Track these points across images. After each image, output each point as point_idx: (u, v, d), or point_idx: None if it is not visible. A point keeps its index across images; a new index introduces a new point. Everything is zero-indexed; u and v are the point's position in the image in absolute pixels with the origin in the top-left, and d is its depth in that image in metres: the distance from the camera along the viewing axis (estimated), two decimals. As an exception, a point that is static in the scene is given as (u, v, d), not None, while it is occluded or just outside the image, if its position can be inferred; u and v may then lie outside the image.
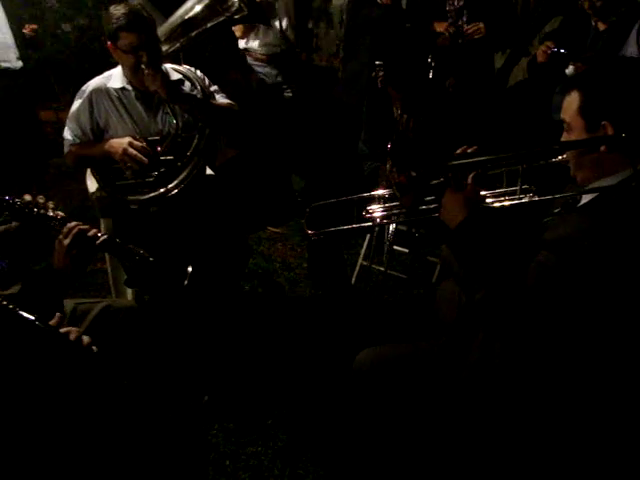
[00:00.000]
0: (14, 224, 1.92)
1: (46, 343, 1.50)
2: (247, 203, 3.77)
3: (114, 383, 1.83)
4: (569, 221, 1.55)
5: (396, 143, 1.75)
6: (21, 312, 1.51)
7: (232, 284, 3.04)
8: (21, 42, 4.15)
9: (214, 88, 2.68)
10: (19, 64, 4.10)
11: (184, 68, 2.67)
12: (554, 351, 1.61)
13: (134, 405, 2.14)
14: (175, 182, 2.52)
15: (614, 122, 1.49)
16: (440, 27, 3.31)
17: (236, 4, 2.87)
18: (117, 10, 2.32)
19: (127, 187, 2.56)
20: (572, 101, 1.56)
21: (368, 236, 3.40)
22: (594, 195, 1.56)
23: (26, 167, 4.28)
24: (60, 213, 1.90)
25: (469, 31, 3.24)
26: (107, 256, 2.90)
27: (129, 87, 2.52)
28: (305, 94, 4.05)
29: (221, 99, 2.66)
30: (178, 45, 3.07)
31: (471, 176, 1.68)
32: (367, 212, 1.98)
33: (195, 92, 2.57)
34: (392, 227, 3.19)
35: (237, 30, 3.83)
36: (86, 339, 1.55)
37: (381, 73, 3.50)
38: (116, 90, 2.53)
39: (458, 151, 1.76)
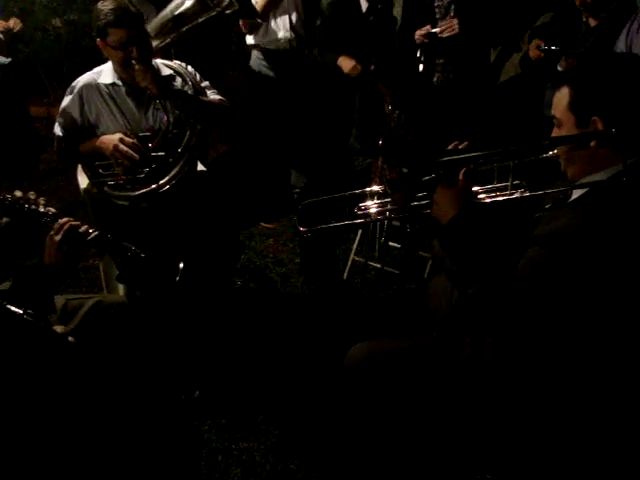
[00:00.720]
0: (4, 220, 1.92)
1: (34, 336, 1.50)
2: (239, 199, 3.77)
3: (101, 375, 1.84)
4: (560, 216, 1.56)
5: (387, 140, 1.75)
6: (9, 306, 1.51)
7: (224, 279, 3.04)
8: (10, 37, 4.12)
9: (205, 84, 2.67)
10: (7, 59, 4.07)
11: (175, 64, 2.66)
12: (546, 345, 1.62)
13: (126, 400, 2.14)
14: (166, 178, 2.51)
15: (604, 117, 1.49)
16: (418, 34, 3.32)
17: (227, -1, 2.86)
18: (105, 6, 2.31)
19: (118, 183, 2.55)
20: (562, 97, 1.57)
21: (360, 231, 3.41)
22: (585, 190, 1.57)
23: (16, 163, 4.27)
24: (51, 209, 1.89)
25: (442, 32, 3.24)
26: (99, 252, 2.89)
27: (119, 83, 2.51)
28: (311, 90, 4.04)
29: (212, 95, 2.65)
30: (169, 40, 3.05)
31: (462, 172, 1.68)
32: (359, 209, 1.98)
33: (186, 88, 2.56)
34: (385, 223, 3.20)
35: (243, 26, 3.82)
36: (59, 329, 1.57)
37: (372, 67, 3.51)
38: (106, 86, 2.52)
39: (449, 147, 1.77)
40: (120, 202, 2.58)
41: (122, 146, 2.42)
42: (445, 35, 3.23)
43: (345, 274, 3.43)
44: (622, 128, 1.47)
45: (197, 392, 2.52)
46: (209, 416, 2.45)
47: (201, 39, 3.60)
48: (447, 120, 3.33)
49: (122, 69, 2.44)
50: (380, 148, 1.73)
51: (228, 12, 2.86)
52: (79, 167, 2.78)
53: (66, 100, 2.56)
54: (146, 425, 2.30)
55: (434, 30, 3.25)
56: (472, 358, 1.75)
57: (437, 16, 3.29)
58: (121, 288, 2.86)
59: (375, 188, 1.99)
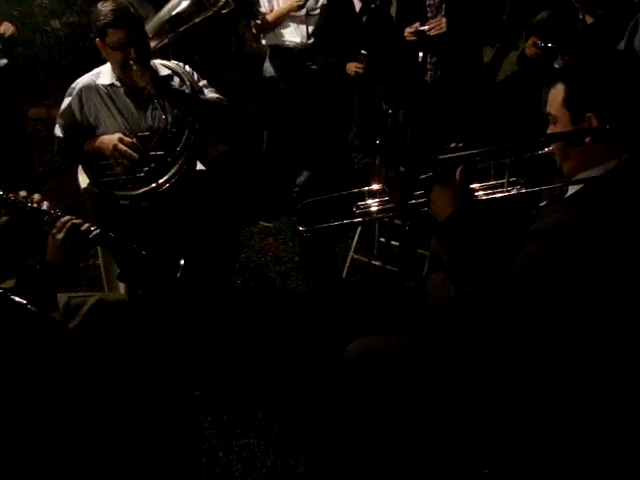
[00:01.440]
0: (4, 219, 1.93)
1: (38, 326, 1.53)
2: (238, 198, 3.79)
3: (103, 372, 1.86)
4: (556, 212, 1.57)
5: (384, 139, 1.76)
6: (12, 296, 1.54)
7: (224, 278, 3.06)
8: (5, 39, 4.13)
9: (203, 83, 2.69)
10: (3, 61, 4.08)
11: (173, 64, 2.67)
12: (543, 340, 1.63)
13: (128, 397, 2.16)
14: (166, 177, 2.53)
15: (599, 114, 1.50)
16: (407, 31, 3.34)
17: (222, -1, 2.88)
18: (104, 7, 2.33)
19: (118, 183, 2.57)
20: (557, 93, 1.58)
21: (359, 230, 3.42)
22: (580, 186, 1.58)
23: (11, 164, 4.28)
24: (54, 209, 1.91)
25: (430, 30, 3.26)
26: (100, 251, 2.91)
27: (118, 83, 2.53)
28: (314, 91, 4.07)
29: (210, 94, 2.66)
30: (166, 41, 3.07)
31: (459, 170, 1.69)
32: (358, 207, 1.99)
33: (184, 87, 2.57)
34: (387, 221, 3.21)
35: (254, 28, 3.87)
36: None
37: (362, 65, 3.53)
38: (105, 87, 2.54)
39: (447, 147, 1.78)
40: (120, 201, 2.59)
41: (121, 146, 2.44)
42: (433, 33, 3.25)
43: (344, 272, 3.44)
44: (616, 124, 1.49)
45: (197, 392, 2.54)
46: (210, 412, 2.47)
47: (199, 39, 3.64)
48: (442, 118, 3.34)
49: (121, 69, 2.46)
50: (377, 147, 1.73)
51: (224, 12, 2.88)
52: (79, 167, 2.79)
53: (66, 101, 2.57)
54: (147, 422, 2.31)
55: (423, 28, 3.27)
56: (470, 354, 1.76)
57: (428, 15, 3.31)
58: (122, 287, 2.88)
59: (373, 187, 2.00)
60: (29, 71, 5.45)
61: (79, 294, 2.15)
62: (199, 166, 2.93)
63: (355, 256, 3.43)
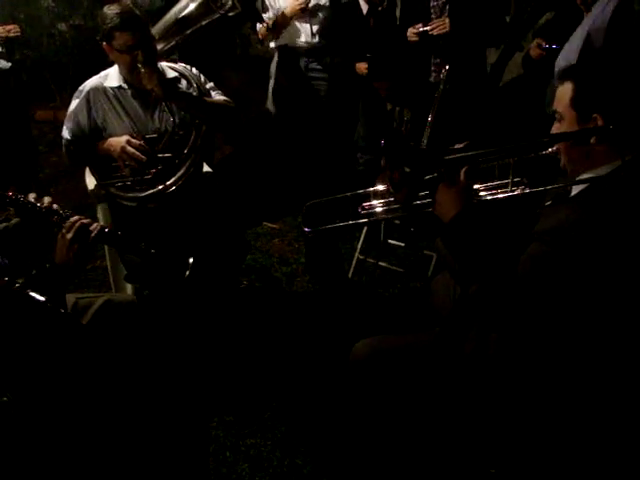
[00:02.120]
0: (13, 221, 1.95)
1: (57, 323, 1.54)
2: (244, 199, 3.80)
3: (111, 372, 1.87)
4: (560, 212, 1.57)
5: (389, 139, 1.77)
6: (32, 293, 1.56)
7: (230, 279, 3.07)
8: (10, 42, 4.15)
9: (210, 85, 2.70)
10: (8, 64, 4.11)
11: (180, 66, 2.69)
12: (548, 340, 1.64)
13: (135, 398, 2.17)
14: (173, 179, 2.55)
15: (605, 114, 1.51)
16: (410, 31, 3.35)
17: (230, 2, 2.90)
18: (111, 10, 2.35)
19: (126, 184, 2.58)
20: (565, 92, 1.58)
21: (364, 231, 3.43)
22: (584, 186, 1.58)
23: (16, 167, 4.30)
24: (64, 210, 1.93)
25: (433, 30, 3.27)
26: (107, 252, 2.93)
27: (126, 86, 2.55)
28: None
29: (217, 96, 2.68)
30: (173, 43, 3.09)
31: (463, 170, 1.69)
32: (363, 208, 2.00)
33: (191, 90, 2.59)
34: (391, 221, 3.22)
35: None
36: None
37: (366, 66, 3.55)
38: (113, 89, 2.56)
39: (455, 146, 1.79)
40: (128, 203, 2.61)
41: (129, 148, 2.46)
42: (436, 33, 3.26)
43: (350, 273, 3.45)
44: (621, 125, 1.50)
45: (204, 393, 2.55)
46: (217, 413, 2.47)
47: (205, 41, 3.65)
48: (447, 119, 3.34)
49: (128, 72, 2.48)
50: (382, 148, 1.74)
51: (231, 15, 2.90)
52: (87, 169, 2.81)
53: (74, 104, 2.59)
54: (155, 422, 2.33)
55: (425, 28, 3.27)
56: (475, 353, 1.77)
57: (432, 16, 3.31)
58: (129, 288, 2.89)
59: (379, 188, 2.00)
60: (36, 73, 5.49)
61: (87, 295, 2.17)
62: (205, 168, 2.95)
63: (361, 257, 3.44)
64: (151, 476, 2.20)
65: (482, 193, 1.73)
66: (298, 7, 3.68)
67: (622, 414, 1.70)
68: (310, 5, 3.72)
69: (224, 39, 5.54)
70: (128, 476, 2.13)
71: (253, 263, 3.57)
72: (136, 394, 2.20)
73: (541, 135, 1.68)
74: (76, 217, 1.88)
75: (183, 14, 2.99)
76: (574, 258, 1.49)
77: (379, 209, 1.97)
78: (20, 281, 1.72)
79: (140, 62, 2.36)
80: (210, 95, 2.66)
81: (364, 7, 3.73)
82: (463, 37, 3.26)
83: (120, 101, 2.56)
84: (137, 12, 2.39)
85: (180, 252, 2.09)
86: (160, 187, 2.54)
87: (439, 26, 3.25)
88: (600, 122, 1.52)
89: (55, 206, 1.92)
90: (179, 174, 2.55)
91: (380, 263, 3.35)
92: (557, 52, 3.12)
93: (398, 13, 3.60)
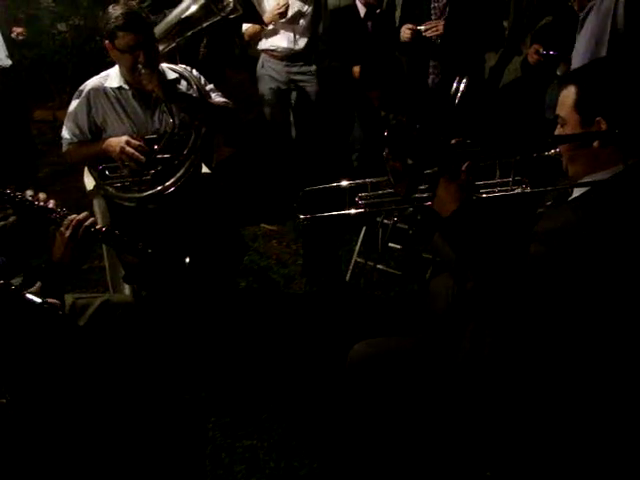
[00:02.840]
0: (11, 219, 1.95)
1: (54, 325, 1.54)
2: (243, 201, 3.81)
3: (108, 373, 1.87)
4: (560, 214, 1.58)
5: (393, 130, 1.74)
6: (28, 295, 1.56)
7: (228, 280, 3.07)
8: (10, 41, 4.16)
9: (210, 87, 2.71)
10: (8, 62, 4.11)
11: (180, 67, 2.69)
12: (544, 341, 1.64)
13: (132, 398, 2.17)
14: (172, 180, 2.54)
15: (608, 118, 1.52)
16: (404, 29, 3.36)
17: (231, 4, 2.91)
18: (115, 10, 2.36)
19: (125, 185, 2.58)
20: (568, 95, 1.59)
21: (363, 233, 3.43)
22: (586, 189, 1.59)
23: (15, 166, 4.30)
24: (61, 207, 1.93)
25: (426, 32, 3.27)
26: (105, 253, 2.93)
27: (126, 86, 2.55)
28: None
29: (217, 98, 2.68)
30: (174, 44, 3.10)
31: (465, 166, 1.69)
32: (361, 198, 1.98)
33: (191, 91, 2.60)
34: (386, 222, 3.22)
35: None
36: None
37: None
38: (113, 89, 2.56)
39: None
40: (126, 204, 2.61)
41: (128, 148, 2.46)
42: (429, 34, 3.27)
43: (348, 275, 3.45)
44: (625, 129, 1.50)
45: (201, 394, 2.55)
46: (213, 414, 2.47)
47: (204, 43, 3.66)
48: (445, 121, 3.35)
49: (129, 73, 2.48)
50: (385, 138, 1.71)
51: (232, 17, 2.91)
52: (85, 169, 2.81)
53: (74, 104, 2.60)
54: (151, 423, 2.32)
55: (419, 27, 3.28)
56: (471, 353, 1.77)
57: (433, 17, 3.32)
58: (127, 289, 2.89)
59: (375, 179, 1.98)
60: (35, 73, 5.49)
61: (85, 295, 2.16)
62: (204, 169, 2.95)
63: (359, 259, 3.44)
64: (148, 477, 2.20)
65: (482, 190, 1.73)
66: (277, 13, 3.67)
67: (621, 416, 1.70)
68: (291, 13, 3.71)
69: (224, 40, 5.55)
70: (125, 477, 2.13)
71: (251, 265, 3.58)
72: (133, 395, 2.20)
73: (545, 136, 1.68)
74: (74, 215, 1.87)
75: (185, 15, 3.00)
76: (572, 260, 1.49)
77: (376, 200, 1.95)
78: (16, 283, 1.72)
79: (141, 63, 2.37)
80: (210, 97, 2.67)
81: (362, 10, 3.73)
82: (461, 40, 3.27)
83: (120, 102, 2.56)
84: (142, 14, 2.40)
85: (176, 252, 2.09)
86: (159, 188, 2.54)
87: (432, 28, 3.26)
88: (603, 126, 1.53)
89: (52, 204, 1.92)
90: (178, 175, 2.55)
91: (378, 266, 3.35)
92: (555, 58, 3.14)
93: (398, 15, 3.62)
